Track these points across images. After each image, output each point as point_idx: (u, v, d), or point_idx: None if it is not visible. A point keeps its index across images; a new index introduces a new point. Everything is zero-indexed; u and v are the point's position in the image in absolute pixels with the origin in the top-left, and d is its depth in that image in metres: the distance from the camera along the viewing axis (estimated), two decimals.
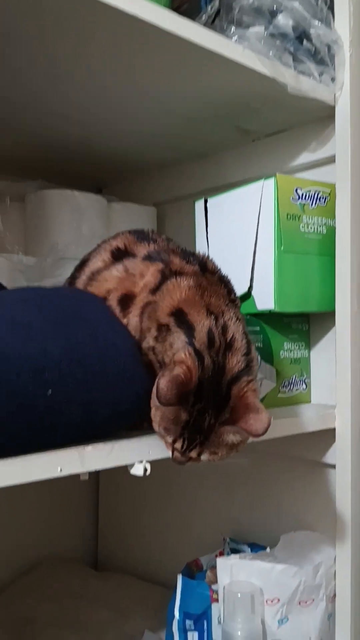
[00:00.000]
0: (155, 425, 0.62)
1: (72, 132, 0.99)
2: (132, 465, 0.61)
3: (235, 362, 0.62)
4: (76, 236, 1.01)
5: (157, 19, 0.67)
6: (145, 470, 0.61)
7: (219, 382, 0.61)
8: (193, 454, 0.62)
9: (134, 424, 0.68)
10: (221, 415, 0.61)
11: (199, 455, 0.62)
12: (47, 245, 1.00)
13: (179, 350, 0.61)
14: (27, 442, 0.53)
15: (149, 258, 0.73)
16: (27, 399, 0.51)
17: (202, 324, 0.62)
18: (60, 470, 0.55)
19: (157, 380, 0.58)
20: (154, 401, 0.61)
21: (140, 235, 0.77)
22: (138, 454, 0.62)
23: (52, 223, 1.02)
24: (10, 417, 0.50)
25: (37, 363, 0.53)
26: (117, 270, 0.73)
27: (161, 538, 1.18)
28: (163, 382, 0.57)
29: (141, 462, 0.62)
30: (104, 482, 1.32)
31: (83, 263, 0.81)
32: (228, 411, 0.61)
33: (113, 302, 0.71)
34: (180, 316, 0.64)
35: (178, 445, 0.61)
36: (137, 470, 0.61)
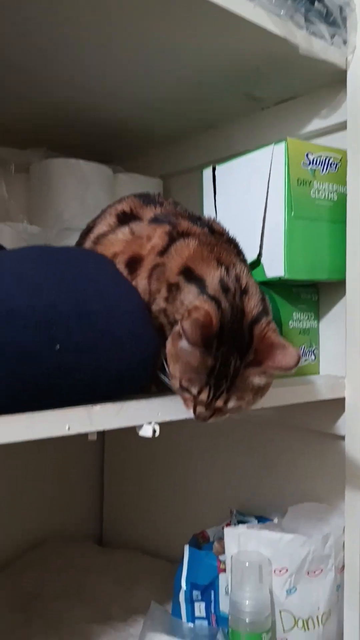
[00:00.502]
0: (176, 382, 0.61)
1: (78, 99, 0.97)
2: (140, 427, 0.60)
3: (253, 304, 0.61)
4: (81, 207, 0.99)
5: None
6: (154, 431, 0.60)
7: (240, 324, 0.60)
8: (219, 402, 0.60)
9: (143, 386, 0.67)
10: (246, 357, 0.60)
11: (226, 402, 0.61)
12: (52, 215, 0.99)
13: (192, 302, 0.61)
14: (34, 399, 0.52)
15: (155, 221, 0.71)
16: (33, 352, 0.50)
17: (213, 275, 0.62)
18: (69, 428, 0.54)
19: (180, 324, 0.57)
20: (172, 356, 0.60)
21: (147, 199, 0.76)
22: (147, 415, 0.61)
23: (56, 193, 1.00)
24: (16, 370, 0.49)
25: (44, 317, 0.51)
26: (123, 234, 0.72)
27: (167, 512, 1.17)
28: (186, 325, 0.56)
29: (150, 423, 0.60)
30: (109, 458, 1.31)
31: (89, 229, 0.80)
32: (252, 353, 0.60)
33: (120, 265, 0.69)
34: (189, 273, 0.63)
35: (204, 395, 0.60)
36: (146, 432, 0.60)
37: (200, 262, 0.63)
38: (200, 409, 0.61)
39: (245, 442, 1.02)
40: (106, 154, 1.23)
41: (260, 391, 0.62)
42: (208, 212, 0.94)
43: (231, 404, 0.61)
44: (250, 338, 0.61)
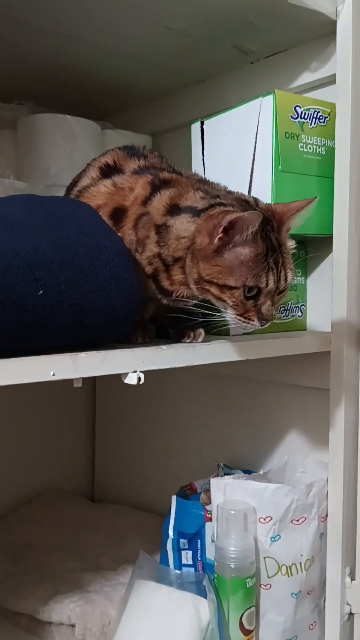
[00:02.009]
0: (239, 294, 0.62)
1: (66, 52, 0.96)
2: (125, 375, 0.61)
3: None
4: (69, 163, 0.98)
5: None
6: (139, 379, 0.61)
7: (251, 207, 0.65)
8: (282, 281, 0.64)
9: (127, 335, 0.68)
10: (273, 226, 0.64)
11: (286, 278, 0.64)
12: (39, 170, 0.98)
13: (188, 227, 0.64)
14: (18, 343, 0.53)
15: (138, 172, 0.71)
16: (16, 295, 0.50)
17: (196, 197, 0.65)
18: (53, 374, 0.55)
19: (217, 229, 0.60)
20: (225, 271, 0.62)
21: (131, 151, 0.76)
22: (131, 364, 0.61)
23: (44, 148, 0.99)
24: None
25: (27, 260, 0.52)
26: (105, 186, 0.72)
27: (157, 467, 1.19)
28: (228, 218, 0.59)
29: (135, 371, 0.61)
30: (100, 415, 1.33)
31: (74, 183, 0.80)
32: (275, 220, 0.65)
33: (105, 217, 0.69)
34: (175, 208, 0.65)
35: (271, 281, 0.62)
36: (131, 379, 0.61)
37: (183, 196, 0.66)
38: (266, 307, 0.63)
39: (232, 398, 1.04)
40: (95, 110, 1.21)
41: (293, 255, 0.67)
42: (196, 167, 0.94)
43: (290, 276, 0.65)
44: (264, 208, 0.66)
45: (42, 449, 1.26)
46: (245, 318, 0.64)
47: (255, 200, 0.69)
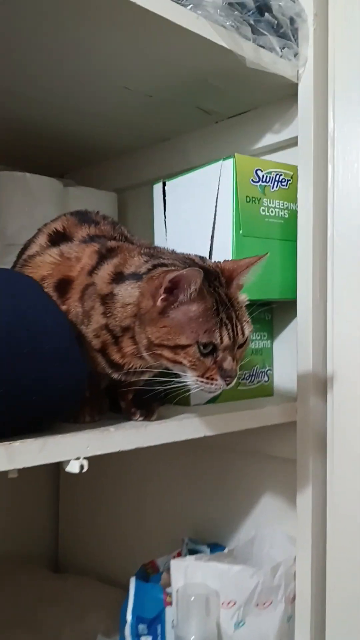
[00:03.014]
0: (194, 352, 0.59)
1: (29, 112, 0.94)
2: (67, 462, 0.57)
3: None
4: (28, 221, 0.95)
5: None
6: (82, 467, 0.56)
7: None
8: (239, 335, 0.61)
9: (76, 415, 0.64)
10: (221, 281, 0.62)
11: (243, 332, 0.61)
12: None
13: (132, 293, 0.62)
14: None
15: (86, 240, 0.69)
16: None
17: (141, 262, 0.63)
18: None
19: (160, 292, 0.58)
20: (175, 330, 0.59)
21: (83, 217, 0.73)
22: (74, 450, 0.57)
23: (2, 207, 0.96)
24: None
25: None
26: (51, 256, 0.69)
27: (120, 538, 1.14)
28: (170, 277, 0.57)
29: (77, 458, 0.57)
30: (64, 481, 1.27)
31: (24, 248, 0.77)
32: (223, 276, 0.63)
33: (49, 289, 0.66)
34: (119, 276, 0.63)
35: (226, 335, 0.59)
36: (73, 468, 0.56)
37: (127, 263, 0.63)
38: (227, 363, 0.60)
39: (199, 467, 0.99)
40: (58, 167, 1.19)
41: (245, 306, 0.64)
42: (158, 226, 0.91)
43: (247, 329, 0.62)
44: (211, 265, 0.64)
45: (2, 514, 1.19)
46: (207, 379, 0.59)
47: (202, 258, 0.67)
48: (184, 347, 0.59)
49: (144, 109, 0.94)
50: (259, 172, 0.82)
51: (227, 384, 0.60)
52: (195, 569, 0.79)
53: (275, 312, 0.93)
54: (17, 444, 0.53)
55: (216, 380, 0.59)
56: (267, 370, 0.91)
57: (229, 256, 0.80)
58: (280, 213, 0.84)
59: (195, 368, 0.59)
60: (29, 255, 0.71)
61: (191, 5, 0.74)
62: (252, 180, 0.81)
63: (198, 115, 0.96)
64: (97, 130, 1.03)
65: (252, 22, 0.79)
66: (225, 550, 0.88)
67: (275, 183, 0.83)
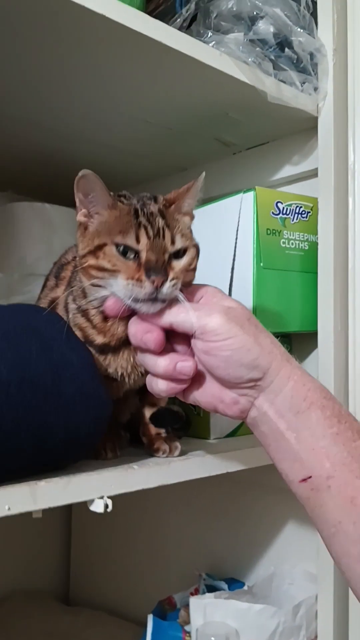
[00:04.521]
0: (104, 263, 0.57)
1: (46, 143, 0.94)
2: (91, 502, 0.56)
3: None
4: (46, 251, 0.95)
5: (128, 19, 0.63)
6: (107, 506, 0.55)
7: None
8: (167, 240, 0.58)
9: (97, 451, 0.63)
10: (158, 201, 0.62)
11: (173, 240, 0.58)
12: (15, 260, 0.95)
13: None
14: None
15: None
16: None
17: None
18: (9, 508, 0.50)
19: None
20: (93, 239, 0.59)
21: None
22: (98, 489, 0.56)
23: (21, 237, 0.97)
24: None
25: None
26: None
27: (135, 572, 1.11)
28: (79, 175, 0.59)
29: (101, 497, 0.56)
30: (77, 513, 1.25)
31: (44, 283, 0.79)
32: (162, 200, 0.63)
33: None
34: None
35: (143, 235, 0.57)
36: (97, 507, 0.55)
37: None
38: (153, 264, 0.56)
39: (214, 501, 0.97)
40: (74, 196, 1.19)
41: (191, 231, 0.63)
42: None
43: (179, 239, 0.59)
44: (153, 195, 0.64)
45: (14, 546, 1.18)
46: (135, 280, 0.55)
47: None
48: (101, 247, 0.58)
49: (162, 141, 0.95)
50: (279, 204, 0.82)
51: (156, 287, 0.55)
52: (215, 608, 0.77)
53: (294, 343, 0.92)
54: (42, 484, 0.52)
55: (143, 281, 0.55)
56: None
57: (249, 289, 0.79)
58: (301, 245, 0.84)
59: (118, 269, 0.57)
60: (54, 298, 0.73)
61: (214, 42, 0.75)
62: (272, 212, 0.81)
63: (216, 146, 0.97)
64: (113, 161, 1.03)
65: (273, 57, 0.80)
66: (245, 587, 0.86)
67: (296, 215, 0.83)
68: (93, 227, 0.59)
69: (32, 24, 0.63)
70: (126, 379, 0.64)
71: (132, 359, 0.62)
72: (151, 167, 1.07)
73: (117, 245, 0.57)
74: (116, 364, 0.63)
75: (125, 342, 0.61)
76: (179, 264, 0.59)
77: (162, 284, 0.55)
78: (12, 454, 0.50)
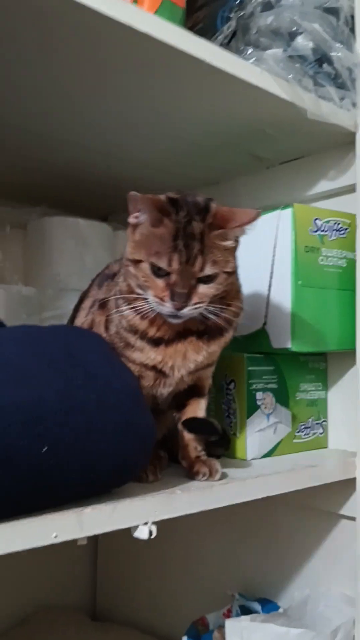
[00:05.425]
0: (139, 275, 0.62)
1: (78, 157, 0.94)
2: (135, 528, 0.55)
3: None
4: (79, 266, 0.95)
5: (170, 37, 0.63)
6: (151, 533, 0.55)
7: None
8: (196, 267, 0.60)
9: (139, 475, 0.62)
10: (206, 219, 0.62)
11: (202, 268, 0.60)
12: (48, 275, 0.95)
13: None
14: (18, 505, 0.47)
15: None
16: (17, 455, 0.45)
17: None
18: (55, 536, 0.49)
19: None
20: (137, 248, 0.63)
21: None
22: (143, 515, 0.55)
23: (53, 252, 0.97)
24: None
25: (30, 413, 0.46)
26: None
27: (165, 588, 1.10)
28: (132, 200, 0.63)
29: (146, 523, 0.55)
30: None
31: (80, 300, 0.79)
32: (211, 217, 0.63)
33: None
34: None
35: (175, 261, 0.60)
36: (142, 534, 0.55)
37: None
38: (179, 287, 0.60)
39: (248, 521, 0.96)
40: (107, 211, 1.19)
41: (230, 251, 0.65)
42: None
43: (209, 267, 0.61)
44: (206, 204, 0.64)
45: (39, 561, 1.17)
46: (159, 299, 0.61)
47: (194, 194, 0.67)
48: (139, 262, 0.62)
49: (195, 155, 0.94)
50: (317, 221, 0.81)
51: (177, 309, 0.61)
52: (251, 631, 0.76)
53: (329, 361, 0.91)
54: (88, 510, 0.51)
55: (166, 302, 0.61)
56: (322, 422, 0.89)
57: (287, 306, 0.78)
58: (338, 262, 0.83)
59: (148, 286, 0.62)
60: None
61: (254, 59, 0.74)
62: (310, 229, 0.80)
63: (249, 160, 0.96)
64: (144, 174, 1.03)
65: (311, 73, 0.79)
66: (281, 610, 0.84)
67: (334, 232, 0.82)
68: (138, 238, 0.64)
69: (72, 41, 0.62)
70: (175, 372, 0.67)
71: (183, 352, 0.66)
72: (181, 181, 1.06)
73: (151, 265, 0.61)
74: (168, 355, 0.66)
75: (178, 335, 0.66)
76: (205, 289, 0.62)
77: (183, 307, 0.60)
78: (61, 485, 0.50)
